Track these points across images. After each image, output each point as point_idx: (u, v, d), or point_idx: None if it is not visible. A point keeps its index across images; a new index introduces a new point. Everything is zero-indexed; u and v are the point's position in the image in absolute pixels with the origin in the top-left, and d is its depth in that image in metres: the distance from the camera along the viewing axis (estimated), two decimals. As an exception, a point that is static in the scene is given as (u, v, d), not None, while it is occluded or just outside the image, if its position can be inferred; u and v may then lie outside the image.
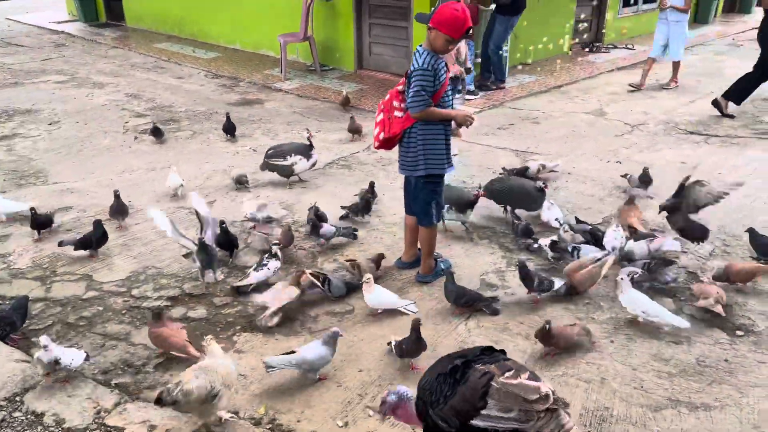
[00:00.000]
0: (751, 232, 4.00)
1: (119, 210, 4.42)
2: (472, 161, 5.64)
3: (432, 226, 3.71)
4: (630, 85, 8.00)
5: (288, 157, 5.06)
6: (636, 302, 3.28)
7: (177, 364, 3.06)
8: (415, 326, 2.97)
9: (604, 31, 10.92)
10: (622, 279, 3.34)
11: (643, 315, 3.25)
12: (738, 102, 6.87)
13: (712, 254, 4.05)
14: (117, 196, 4.41)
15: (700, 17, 13.37)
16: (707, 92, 7.91)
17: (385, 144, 3.62)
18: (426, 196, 3.64)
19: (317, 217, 4.19)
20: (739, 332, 3.28)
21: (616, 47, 10.68)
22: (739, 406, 2.77)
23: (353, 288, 3.62)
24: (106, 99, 7.71)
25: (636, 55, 10.08)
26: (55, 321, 3.41)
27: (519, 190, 4.42)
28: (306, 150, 5.10)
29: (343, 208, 4.55)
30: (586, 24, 10.57)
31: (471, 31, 3.37)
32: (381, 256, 3.83)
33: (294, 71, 9.06)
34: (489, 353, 2.19)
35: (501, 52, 7.91)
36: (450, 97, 3.59)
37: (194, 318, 3.45)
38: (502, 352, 2.24)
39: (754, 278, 3.61)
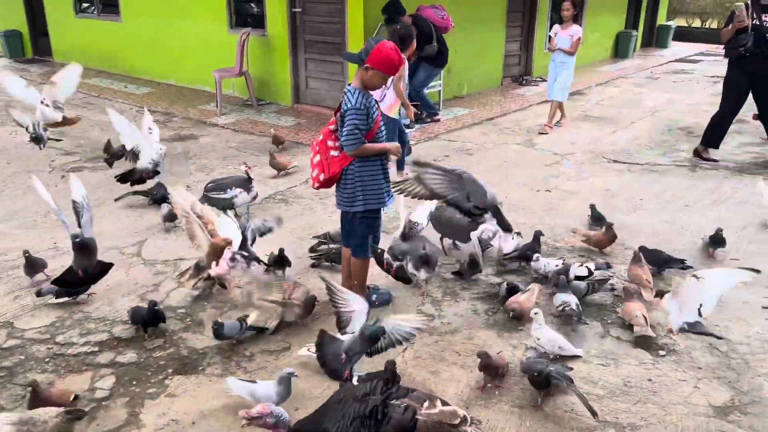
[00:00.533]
0: (642, 249, 4.17)
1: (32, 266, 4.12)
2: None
3: (365, 259, 3.74)
4: (540, 133, 7.81)
5: (228, 190, 5.00)
6: (553, 341, 3.31)
7: (103, 413, 2.94)
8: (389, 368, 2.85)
9: (533, 64, 11.41)
10: (535, 314, 3.34)
11: (559, 351, 3.31)
12: (716, 145, 6.77)
13: (635, 277, 4.24)
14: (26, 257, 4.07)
15: (620, 52, 14.18)
16: (628, 122, 8.37)
17: (326, 184, 3.64)
18: (363, 230, 3.67)
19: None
20: (661, 351, 3.43)
21: (544, 80, 11.16)
22: (664, 424, 2.89)
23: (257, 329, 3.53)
24: (32, 137, 7.42)
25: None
26: (-29, 373, 3.23)
27: (447, 222, 4.47)
28: (245, 183, 5.06)
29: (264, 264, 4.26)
30: (515, 58, 11.04)
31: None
32: (313, 299, 3.71)
33: (230, 106, 9.03)
34: (386, 383, 2.18)
35: (424, 90, 8.13)
36: (383, 132, 3.66)
37: (123, 363, 3.32)
38: (394, 377, 2.24)
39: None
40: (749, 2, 6.08)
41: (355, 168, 3.51)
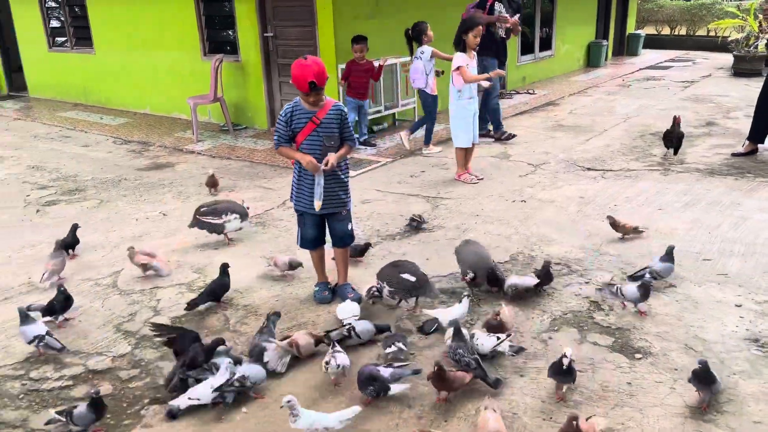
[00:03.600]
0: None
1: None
2: (385, 210, 5.76)
3: (302, 248, 4.25)
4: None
5: (223, 215, 5.03)
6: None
7: (78, 447, 2.90)
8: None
9: (506, 78, 11.55)
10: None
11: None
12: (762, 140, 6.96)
13: (611, 282, 4.27)
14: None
15: (592, 62, 14.42)
16: (601, 130, 8.48)
17: None
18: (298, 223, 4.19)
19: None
20: (637, 355, 3.45)
21: (518, 93, 11.32)
22: (641, 427, 2.90)
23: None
24: (6, 173, 7.39)
25: (537, 99, 10.71)
26: (-58, 414, 3.16)
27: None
28: (242, 210, 5.12)
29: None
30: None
31: (317, 85, 3.69)
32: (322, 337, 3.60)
33: (207, 132, 9.04)
34: None
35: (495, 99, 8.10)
36: (319, 146, 3.86)
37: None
38: None
39: None
40: None
41: (294, 169, 4.07)
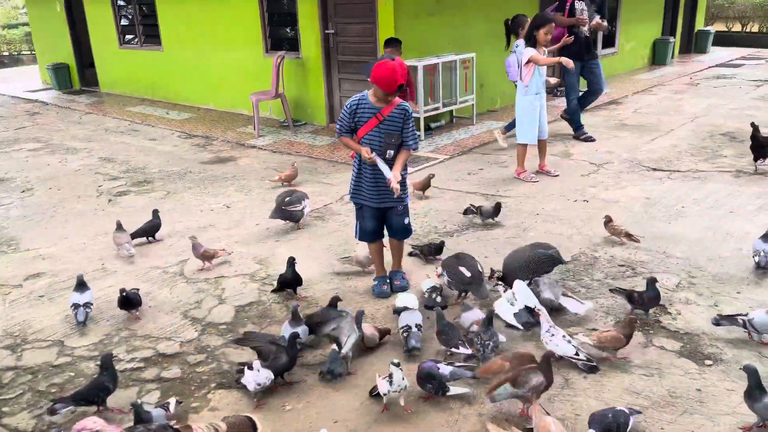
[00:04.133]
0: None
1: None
2: (443, 206, 5.75)
3: (360, 240, 4.33)
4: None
5: (302, 201, 5.36)
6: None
7: (150, 426, 3.03)
8: None
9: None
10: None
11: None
12: None
13: (678, 286, 4.14)
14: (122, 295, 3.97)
15: (658, 59, 13.96)
16: (667, 130, 8.21)
17: None
18: (356, 215, 4.26)
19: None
20: (708, 361, 3.34)
21: (579, 91, 11.04)
22: (712, 435, 2.81)
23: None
24: (80, 164, 7.76)
25: (600, 97, 10.42)
26: (25, 390, 3.36)
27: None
28: (304, 194, 5.48)
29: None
30: (549, 69, 10.94)
31: (405, 89, 3.73)
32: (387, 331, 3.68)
33: (267, 128, 9.23)
34: None
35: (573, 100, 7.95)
36: (379, 143, 3.90)
37: (167, 378, 3.42)
38: None
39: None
40: None
41: (354, 163, 4.13)
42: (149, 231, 5.25)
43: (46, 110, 11.46)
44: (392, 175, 3.84)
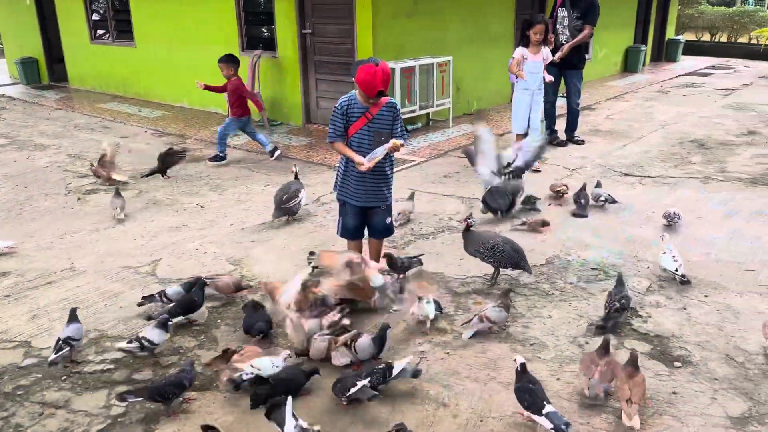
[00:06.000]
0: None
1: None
2: (419, 209, 5.77)
3: (341, 237, 4.38)
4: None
5: (298, 194, 5.44)
6: None
7: (119, 429, 2.97)
8: None
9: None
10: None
11: None
12: None
13: (649, 289, 4.21)
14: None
15: (629, 67, 14.22)
16: (639, 136, 8.36)
17: None
18: (339, 213, 4.31)
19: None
20: (677, 363, 3.40)
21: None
22: (681, 436, 2.86)
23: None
24: (48, 161, 7.58)
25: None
26: (-11, 392, 3.26)
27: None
28: (299, 184, 5.55)
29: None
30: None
31: (384, 94, 3.82)
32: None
33: (242, 127, 9.13)
34: None
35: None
36: (369, 141, 3.92)
37: (138, 380, 3.35)
38: None
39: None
40: None
41: (341, 159, 4.14)
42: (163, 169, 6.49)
43: (13, 105, 11.17)
44: (367, 158, 3.86)
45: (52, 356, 3.38)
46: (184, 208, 5.95)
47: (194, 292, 3.86)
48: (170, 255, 4.90)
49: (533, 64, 6.65)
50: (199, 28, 10.02)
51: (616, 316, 3.70)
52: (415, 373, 3.21)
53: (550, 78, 6.84)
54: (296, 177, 5.65)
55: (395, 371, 3.12)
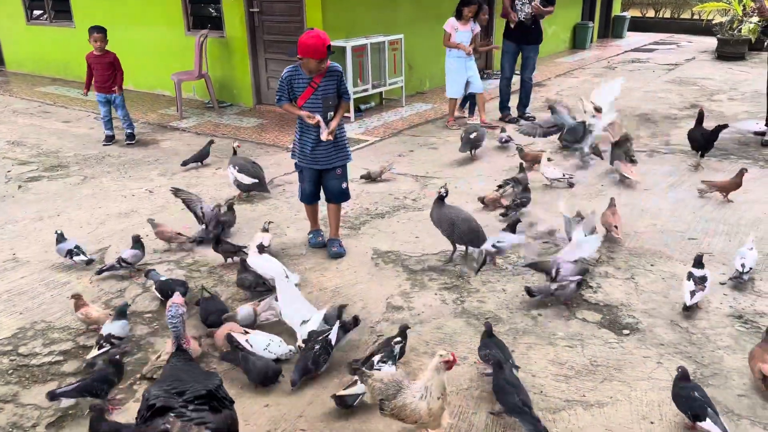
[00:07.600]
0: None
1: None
2: (374, 189, 5.75)
3: (302, 202, 4.60)
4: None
5: (260, 171, 5.49)
6: None
7: (70, 422, 2.89)
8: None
9: (492, 58, 11.54)
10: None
11: None
12: None
13: (599, 261, 4.33)
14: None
15: (578, 44, 14.44)
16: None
17: None
18: (299, 178, 4.49)
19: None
20: (625, 331, 3.52)
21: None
22: (629, 400, 2.96)
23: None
24: (-14, 148, 7.24)
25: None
26: (-71, 390, 3.13)
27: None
28: (234, 160, 5.54)
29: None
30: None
31: (332, 50, 3.96)
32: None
33: (191, 110, 8.92)
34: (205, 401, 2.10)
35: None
36: (319, 108, 4.11)
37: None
38: (222, 401, 2.13)
39: None
40: None
41: (297, 126, 4.31)
42: (201, 157, 6.41)
43: (-55, 90, 10.60)
44: (327, 126, 4.11)
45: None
46: (133, 194, 5.78)
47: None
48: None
49: (462, 33, 7.43)
50: (142, 8, 9.66)
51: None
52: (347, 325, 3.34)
53: (469, 49, 7.43)
54: (234, 153, 5.71)
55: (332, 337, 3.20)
